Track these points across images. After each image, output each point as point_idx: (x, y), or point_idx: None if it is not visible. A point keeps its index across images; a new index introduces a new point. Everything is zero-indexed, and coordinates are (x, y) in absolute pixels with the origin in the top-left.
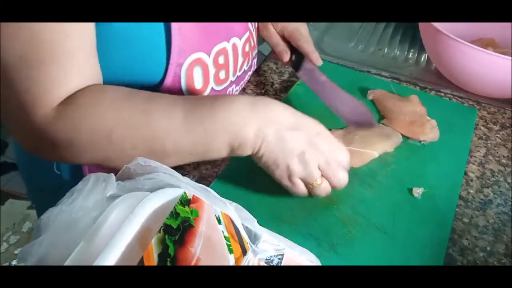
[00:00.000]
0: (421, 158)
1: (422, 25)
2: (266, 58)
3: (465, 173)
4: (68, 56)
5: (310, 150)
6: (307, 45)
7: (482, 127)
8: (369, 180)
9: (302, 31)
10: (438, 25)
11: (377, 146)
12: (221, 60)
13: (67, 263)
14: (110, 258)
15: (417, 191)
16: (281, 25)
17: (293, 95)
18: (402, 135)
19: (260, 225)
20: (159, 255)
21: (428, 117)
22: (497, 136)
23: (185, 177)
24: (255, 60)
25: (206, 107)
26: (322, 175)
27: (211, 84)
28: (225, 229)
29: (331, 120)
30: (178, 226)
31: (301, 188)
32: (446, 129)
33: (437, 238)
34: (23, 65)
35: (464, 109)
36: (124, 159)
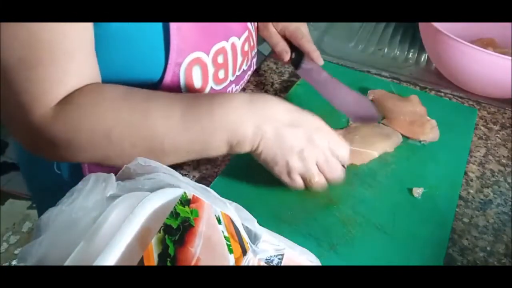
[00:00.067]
0: (421, 158)
1: (422, 25)
2: (266, 58)
3: (465, 173)
4: (67, 56)
5: (309, 147)
6: (309, 44)
7: (482, 127)
8: (369, 180)
9: (303, 30)
10: (438, 25)
11: (377, 146)
12: (220, 59)
13: (67, 263)
14: (110, 258)
15: (417, 191)
16: (281, 24)
17: (293, 95)
18: (402, 135)
19: (260, 225)
20: (159, 255)
21: (428, 117)
22: (497, 136)
23: (185, 177)
24: (254, 60)
25: (204, 105)
26: (319, 171)
27: (210, 83)
28: (225, 229)
29: (331, 120)
30: (178, 226)
31: (299, 183)
32: (446, 129)
33: (437, 238)
34: (21, 65)
35: (464, 109)
36: (124, 157)
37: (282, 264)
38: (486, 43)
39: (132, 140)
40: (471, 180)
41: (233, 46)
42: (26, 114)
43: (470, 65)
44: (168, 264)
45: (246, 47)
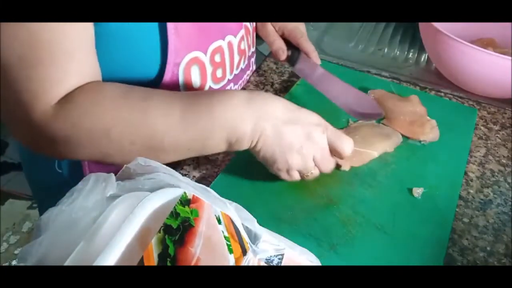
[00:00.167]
0: (421, 158)
1: (422, 25)
2: (266, 58)
3: (465, 173)
4: (67, 56)
5: (307, 144)
6: (307, 43)
7: (482, 127)
8: (369, 180)
9: (301, 30)
10: (438, 25)
11: (377, 146)
12: (217, 58)
13: (67, 263)
14: (110, 258)
15: (417, 191)
16: (280, 23)
17: (293, 95)
18: (402, 135)
19: (260, 225)
20: (159, 255)
21: (428, 117)
22: (497, 136)
23: (185, 177)
24: (253, 59)
25: (203, 103)
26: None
27: (209, 82)
28: (225, 229)
29: (331, 120)
30: (178, 226)
31: (296, 178)
32: (446, 129)
33: (437, 238)
34: (22, 65)
35: (464, 109)
36: (124, 155)
37: (282, 264)
38: (486, 43)
39: (132, 138)
40: (471, 180)
41: (230, 45)
42: (26, 113)
43: (470, 65)
44: (168, 264)
45: (242, 45)
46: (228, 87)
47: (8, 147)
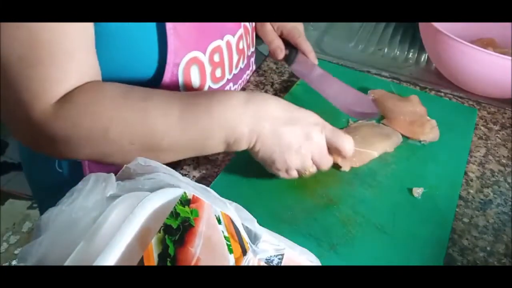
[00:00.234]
0: (421, 158)
1: (422, 25)
2: (266, 58)
3: (465, 173)
4: (67, 56)
5: (306, 144)
6: (305, 43)
7: (482, 127)
8: (369, 180)
9: (300, 29)
10: (438, 25)
11: (377, 146)
12: (216, 58)
13: (67, 263)
14: (110, 258)
15: (417, 191)
16: (278, 23)
17: (293, 95)
18: (402, 135)
19: (260, 225)
20: (159, 255)
21: (428, 117)
22: (497, 136)
23: (185, 177)
24: (252, 59)
25: (202, 103)
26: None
27: (208, 82)
28: (225, 229)
29: (331, 120)
30: (178, 226)
31: (295, 176)
32: (446, 129)
33: (437, 238)
34: (22, 65)
35: (464, 109)
36: (123, 154)
37: (282, 264)
38: (486, 43)
39: (131, 138)
40: (471, 180)
41: (228, 44)
42: (26, 112)
43: (470, 65)
44: (168, 264)
45: (241, 45)
46: (228, 87)
47: (8, 147)
